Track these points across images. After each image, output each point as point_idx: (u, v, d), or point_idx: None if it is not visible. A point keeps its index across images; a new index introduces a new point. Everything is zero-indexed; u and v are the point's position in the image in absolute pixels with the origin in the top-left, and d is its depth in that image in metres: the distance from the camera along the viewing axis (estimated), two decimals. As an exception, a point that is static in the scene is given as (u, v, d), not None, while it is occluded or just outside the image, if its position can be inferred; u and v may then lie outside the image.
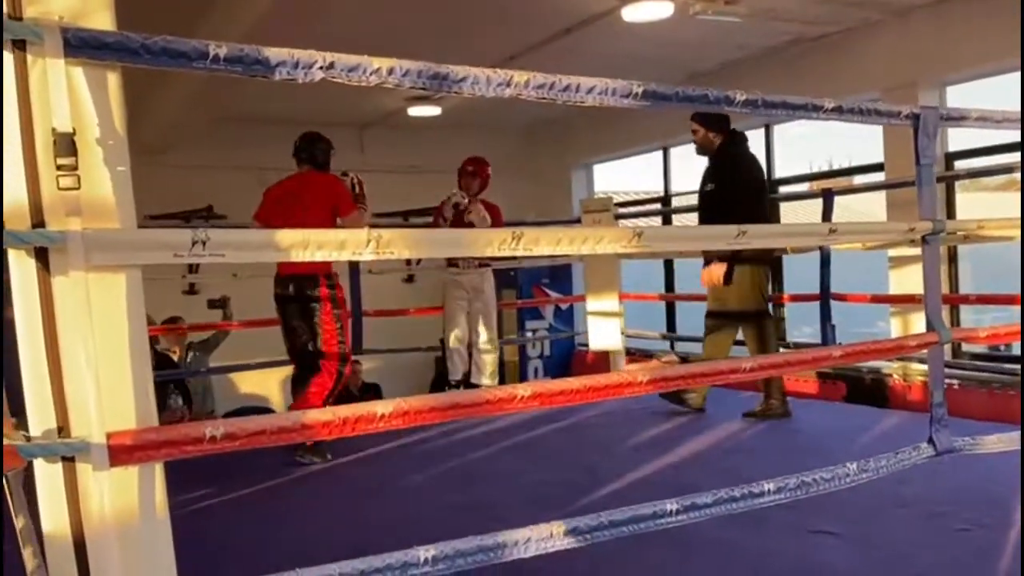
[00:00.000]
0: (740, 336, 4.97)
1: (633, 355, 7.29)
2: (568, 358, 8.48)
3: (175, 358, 6.86)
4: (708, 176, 4.92)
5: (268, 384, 8.44)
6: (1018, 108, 2.50)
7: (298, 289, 4.26)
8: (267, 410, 8.12)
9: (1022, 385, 4.61)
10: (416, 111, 7.95)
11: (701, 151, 4.97)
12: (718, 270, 4.73)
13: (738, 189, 4.73)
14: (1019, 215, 2.62)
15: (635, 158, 9.22)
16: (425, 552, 1.60)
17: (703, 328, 5.04)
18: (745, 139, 5.01)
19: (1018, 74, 5.48)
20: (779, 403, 4.94)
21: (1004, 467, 3.23)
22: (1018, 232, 2.54)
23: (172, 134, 7.40)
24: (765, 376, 4.32)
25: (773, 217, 6.32)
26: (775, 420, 4.86)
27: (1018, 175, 5.50)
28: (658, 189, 8.68)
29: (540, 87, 1.65)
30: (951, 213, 5.61)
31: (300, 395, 4.37)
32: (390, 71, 1.50)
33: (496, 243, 1.67)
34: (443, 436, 4.24)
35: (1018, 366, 5.11)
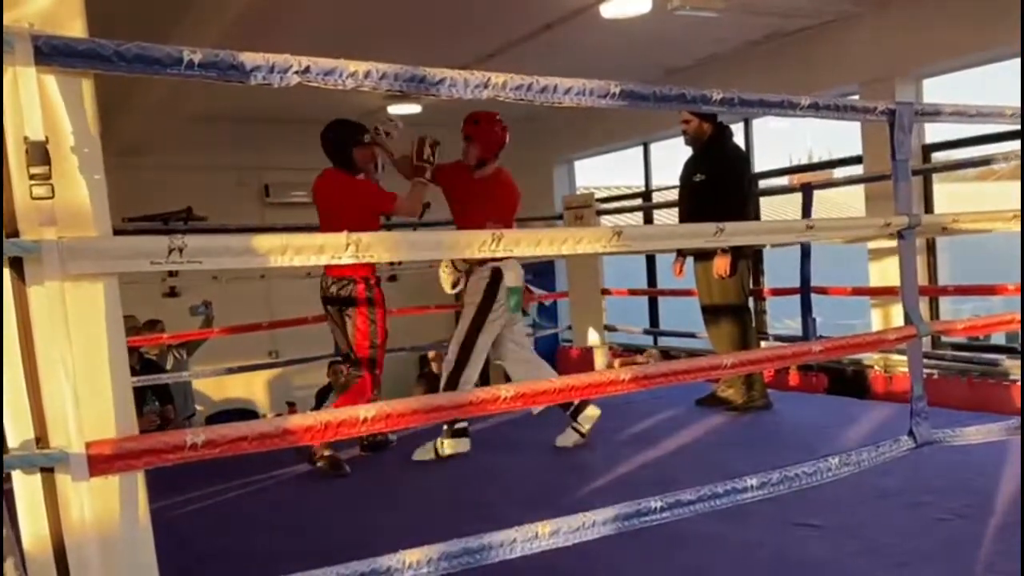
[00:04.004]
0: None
1: (616, 350, 7.32)
2: (552, 354, 8.49)
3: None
4: (696, 167, 4.91)
5: (252, 386, 8.40)
6: (993, 102, 2.53)
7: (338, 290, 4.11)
8: (251, 412, 8.09)
9: (1022, 376, 4.65)
10: (396, 110, 7.92)
11: (692, 141, 4.96)
12: (723, 263, 4.74)
13: (730, 181, 4.76)
14: (996, 208, 2.65)
15: (616, 153, 9.23)
16: (410, 556, 1.60)
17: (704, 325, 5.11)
18: (732, 131, 5.06)
19: (995, 67, 5.56)
20: (759, 395, 4.97)
21: (983, 457, 3.27)
22: (993, 225, 2.57)
23: (149, 134, 7.33)
24: (746, 371, 4.34)
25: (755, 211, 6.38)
26: (756, 412, 4.90)
27: (994, 166, 5.54)
28: (639, 184, 8.71)
29: (518, 88, 1.64)
30: (929, 205, 5.66)
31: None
32: (366, 74, 1.50)
33: (477, 244, 1.67)
34: (429, 436, 4.23)
35: (997, 356, 5.17)
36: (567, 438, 4.31)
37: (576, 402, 4.20)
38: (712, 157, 4.85)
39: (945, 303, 5.99)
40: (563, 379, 1.80)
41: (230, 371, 6.03)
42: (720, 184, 4.73)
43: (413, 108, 7.92)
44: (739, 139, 6.58)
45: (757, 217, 5.92)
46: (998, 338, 5.97)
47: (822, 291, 5.56)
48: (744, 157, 5.14)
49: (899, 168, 2.18)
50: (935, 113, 2.40)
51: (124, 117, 6.51)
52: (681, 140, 5.12)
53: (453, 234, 1.63)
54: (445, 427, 4.21)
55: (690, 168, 4.98)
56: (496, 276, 4.14)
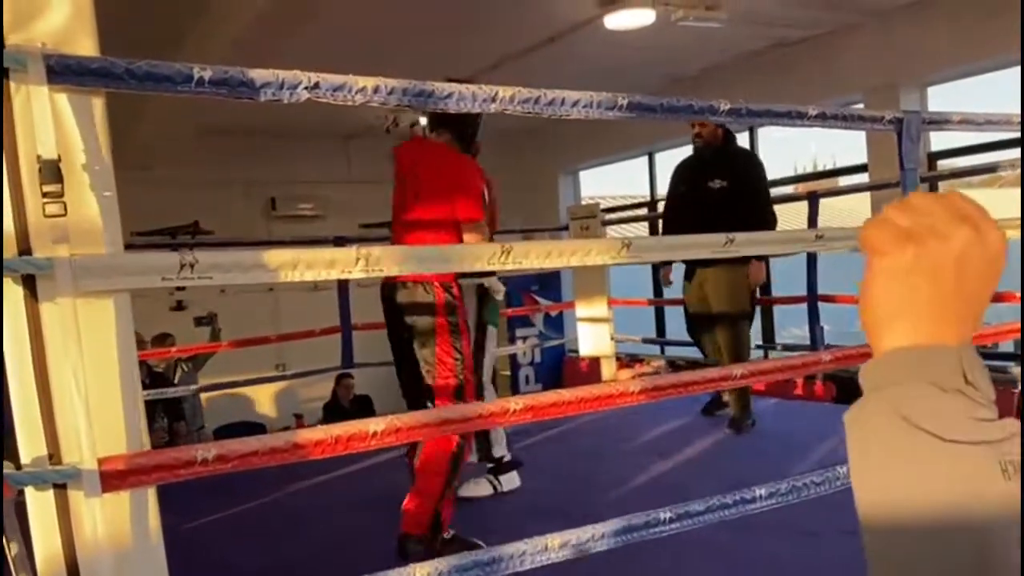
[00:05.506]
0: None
1: (623, 360, 7.31)
2: (559, 365, 8.49)
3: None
4: (712, 171, 4.68)
5: (260, 400, 8.40)
6: (998, 110, 2.53)
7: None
8: (259, 425, 8.08)
9: (1022, 382, 4.63)
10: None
11: (705, 147, 4.77)
12: (760, 270, 4.69)
13: (758, 185, 4.68)
14: (1007, 215, 2.64)
15: (621, 163, 9.25)
16: (420, 569, 1.60)
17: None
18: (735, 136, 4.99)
19: (998, 74, 5.56)
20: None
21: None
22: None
23: (157, 148, 7.36)
24: (756, 381, 4.29)
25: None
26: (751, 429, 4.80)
27: (1000, 173, 5.54)
28: (643, 194, 8.73)
29: (526, 102, 1.65)
30: (935, 212, 5.65)
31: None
32: (375, 90, 1.50)
33: (486, 257, 1.67)
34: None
35: (1004, 363, 5.15)
36: (480, 488, 3.81)
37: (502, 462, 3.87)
38: (728, 161, 4.69)
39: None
40: (572, 391, 1.80)
41: (237, 384, 6.03)
42: (747, 189, 4.59)
43: (419, 120, 7.95)
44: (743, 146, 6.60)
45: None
46: (1005, 345, 5.95)
47: (829, 299, 5.55)
48: (759, 160, 5.05)
49: (908, 177, 2.18)
50: (943, 122, 2.40)
51: (132, 131, 6.54)
52: (683, 149, 5.08)
53: (462, 247, 1.63)
54: (490, 464, 3.83)
55: (702, 173, 4.74)
56: (483, 293, 3.76)
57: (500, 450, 3.84)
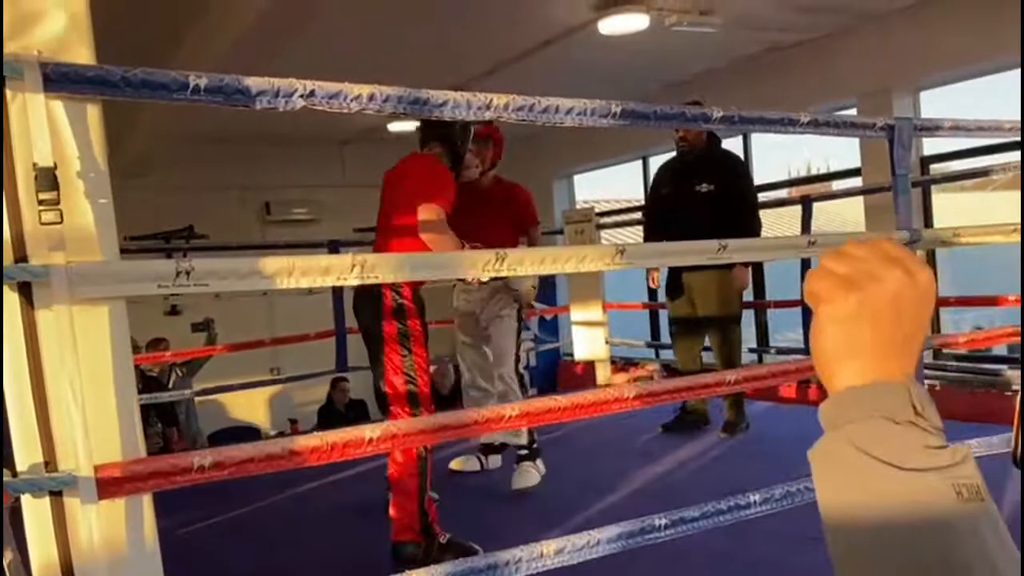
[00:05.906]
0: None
1: (618, 364, 7.32)
2: (554, 368, 8.50)
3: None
4: (699, 175, 4.63)
5: (254, 404, 8.39)
6: (992, 113, 2.55)
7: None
8: (253, 430, 8.07)
9: (1023, 385, 4.63)
10: (396, 127, 7.95)
11: (689, 150, 4.70)
12: (745, 274, 4.70)
13: (746, 189, 4.67)
14: (1001, 219, 2.66)
15: (615, 168, 9.27)
16: (417, 574, 1.60)
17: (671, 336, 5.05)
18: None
19: (991, 78, 5.58)
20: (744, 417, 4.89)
21: (986, 468, 3.26)
22: (993, 238, 2.58)
23: (152, 154, 7.36)
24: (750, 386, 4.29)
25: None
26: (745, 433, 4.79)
27: (992, 177, 5.56)
28: (636, 197, 8.76)
29: (520, 109, 1.66)
30: (928, 216, 5.67)
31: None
32: (370, 97, 1.51)
33: (481, 264, 1.68)
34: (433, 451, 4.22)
35: (999, 366, 5.17)
36: (530, 478, 3.88)
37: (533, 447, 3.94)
38: (714, 165, 4.66)
39: (946, 312, 5.98)
40: (568, 397, 1.80)
41: (232, 388, 6.02)
42: (734, 193, 4.56)
43: (413, 125, 7.94)
44: (738, 151, 6.63)
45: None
46: (1000, 348, 5.98)
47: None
48: (744, 163, 5.07)
49: (899, 183, 2.19)
50: (934, 128, 2.42)
51: (128, 138, 6.54)
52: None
53: (457, 254, 1.64)
54: (524, 451, 3.91)
55: (687, 176, 4.69)
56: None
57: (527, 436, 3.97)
